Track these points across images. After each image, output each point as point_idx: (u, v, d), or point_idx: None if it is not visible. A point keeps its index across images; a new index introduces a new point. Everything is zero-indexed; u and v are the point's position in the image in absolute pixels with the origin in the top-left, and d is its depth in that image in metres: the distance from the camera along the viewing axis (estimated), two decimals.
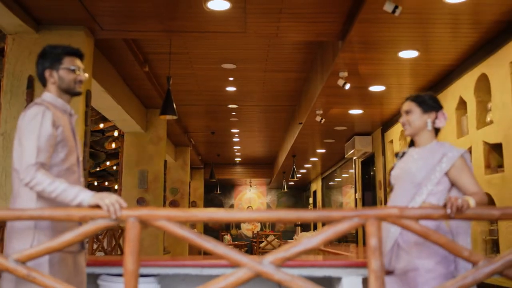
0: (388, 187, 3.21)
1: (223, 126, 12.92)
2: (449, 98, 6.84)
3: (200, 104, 10.76)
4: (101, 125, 11.19)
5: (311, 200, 22.14)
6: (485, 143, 5.87)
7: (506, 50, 5.35)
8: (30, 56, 5.59)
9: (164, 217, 2.52)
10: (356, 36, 5.50)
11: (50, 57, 2.67)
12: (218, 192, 22.76)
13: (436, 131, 2.86)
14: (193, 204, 18.05)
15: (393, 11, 4.43)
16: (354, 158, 12.39)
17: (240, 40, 6.84)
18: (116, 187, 22.94)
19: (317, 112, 8.77)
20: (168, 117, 6.41)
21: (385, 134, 10.16)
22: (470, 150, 6.28)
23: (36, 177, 2.41)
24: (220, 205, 24.00)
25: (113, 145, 14.41)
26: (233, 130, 13.59)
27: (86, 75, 2.78)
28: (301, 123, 10.20)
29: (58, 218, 2.69)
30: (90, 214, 2.56)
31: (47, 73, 2.67)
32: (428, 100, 2.77)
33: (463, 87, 6.41)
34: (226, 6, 5.16)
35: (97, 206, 2.41)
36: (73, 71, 2.66)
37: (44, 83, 2.72)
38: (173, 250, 13.11)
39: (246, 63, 7.99)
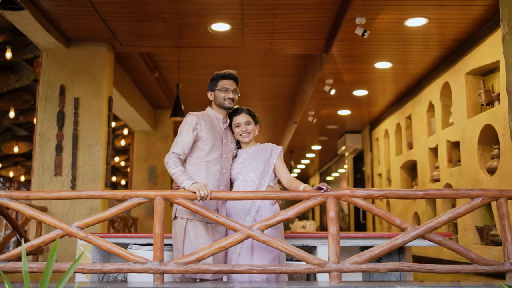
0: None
1: None
2: (422, 101, 7.83)
3: (204, 105, 11.50)
4: (113, 124, 12.11)
5: None
6: (448, 141, 6.86)
7: (463, 63, 6.33)
8: (62, 68, 6.59)
9: (181, 196, 3.54)
10: (337, 51, 6.50)
11: (212, 82, 3.63)
12: None
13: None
14: None
15: (363, 34, 5.42)
16: (346, 154, 13.29)
17: (241, 51, 7.73)
18: (122, 182, 23.81)
19: (309, 113, 9.71)
20: (178, 118, 7.41)
21: (372, 132, 11.10)
22: (437, 147, 7.25)
23: (169, 162, 3.42)
24: None
25: (122, 142, 15.31)
26: None
27: (236, 95, 3.63)
28: (296, 122, 11.13)
29: (107, 197, 3.73)
30: (129, 194, 3.58)
31: (208, 94, 3.65)
32: (255, 116, 3.80)
33: (432, 93, 7.40)
34: (227, 27, 6.17)
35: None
36: (223, 90, 3.58)
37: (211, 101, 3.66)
38: None
39: (246, 69, 8.88)
